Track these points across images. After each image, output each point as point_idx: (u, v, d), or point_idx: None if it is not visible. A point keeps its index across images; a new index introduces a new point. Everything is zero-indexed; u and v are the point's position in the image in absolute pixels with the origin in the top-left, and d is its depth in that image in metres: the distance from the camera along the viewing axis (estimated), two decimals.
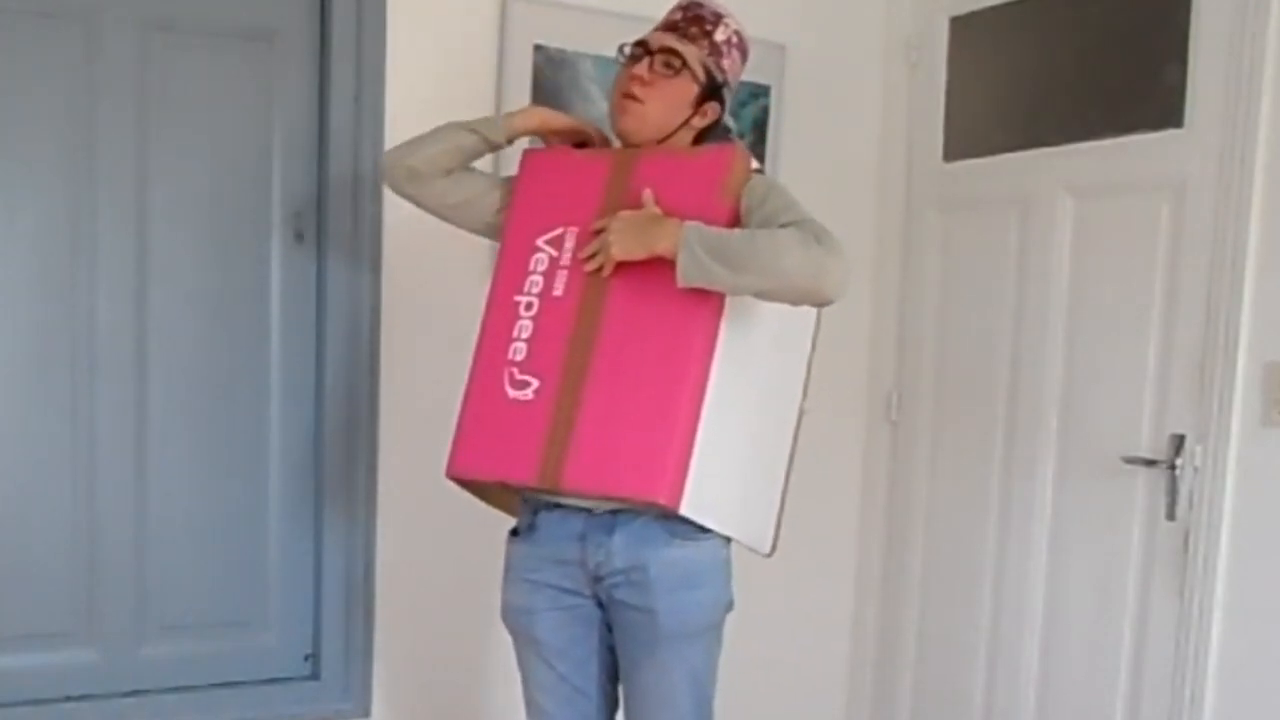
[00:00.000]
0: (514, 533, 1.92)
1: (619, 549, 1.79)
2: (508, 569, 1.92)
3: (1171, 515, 2.30)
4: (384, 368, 2.47)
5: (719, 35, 1.87)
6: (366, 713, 2.52)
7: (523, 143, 1.99)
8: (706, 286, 1.69)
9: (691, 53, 1.85)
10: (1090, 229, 2.51)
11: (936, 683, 2.90)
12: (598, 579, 1.82)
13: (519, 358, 1.80)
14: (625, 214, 1.76)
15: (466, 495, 1.94)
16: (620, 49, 1.91)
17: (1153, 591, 2.37)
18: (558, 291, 1.81)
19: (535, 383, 1.78)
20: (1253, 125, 2.17)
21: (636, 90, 1.83)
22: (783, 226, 1.69)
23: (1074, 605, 2.54)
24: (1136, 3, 2.45)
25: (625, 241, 1.74)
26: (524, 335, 1.81)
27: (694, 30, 1.86)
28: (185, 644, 2.42)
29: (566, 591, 1.85)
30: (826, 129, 2.93)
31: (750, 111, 2.79)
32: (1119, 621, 2.43)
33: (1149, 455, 2.36)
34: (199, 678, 2.42)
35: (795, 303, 1.75)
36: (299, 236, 2.43)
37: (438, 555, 2.52)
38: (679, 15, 1.89)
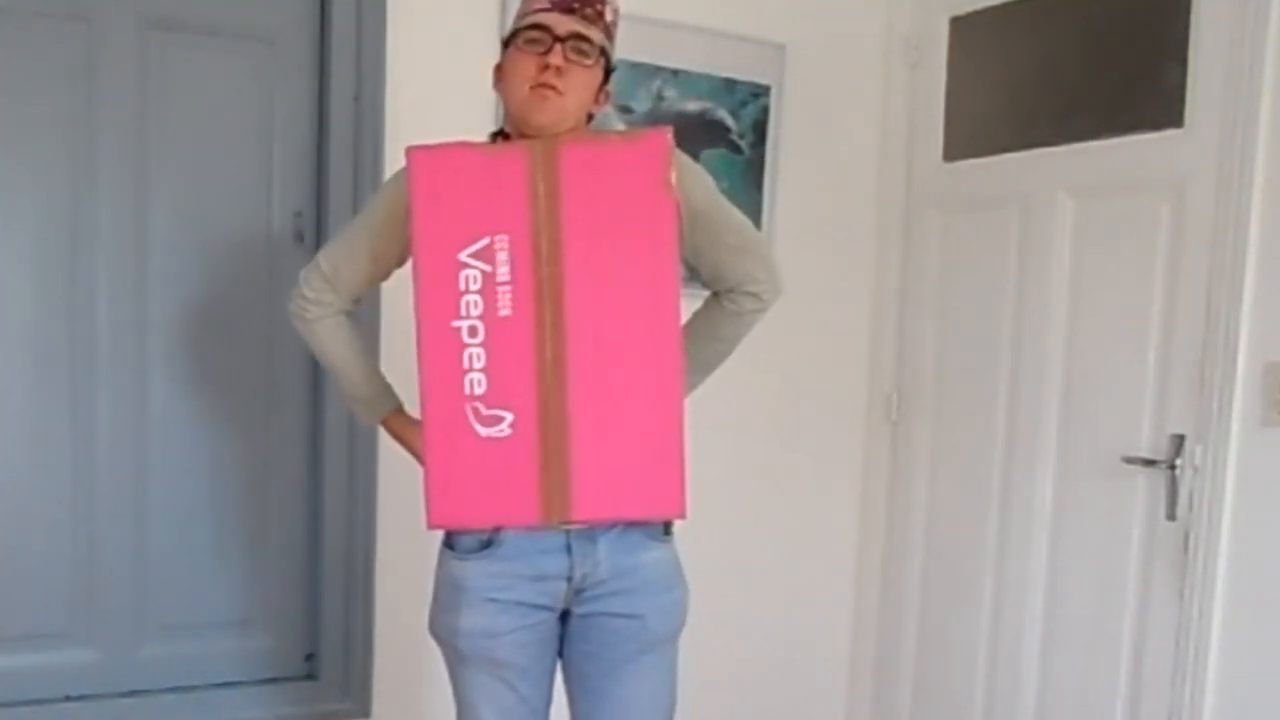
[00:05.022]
0: (450, 547, 1.80)
1: (604, 558, 1.74)
2: (460, 589, 1.77)
3: (1171, 515, 2.30)
4: (383, 368, 2.46)
5: (608, 16, 1.75)
6: (366, 713, 2.52)
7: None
8: None
9: (596, 36, 1.70)
10: (1090, 229, 2.52)
11: (936, 683, 2.90)
12: (579, 591, 1.75)
13: (480, 390, 1.64)
14: None
15: None
16: (512, 34, 1.73)
17: (1153, 591, 2.36)
18: (504, 311, 1.63)
19: (509, 415, 1.64)
20: (1253, 125, 2.17)
21: (555, 81, 1.65)
22: (731, 246, 1.77)
23: (1074, 605, 2.54)
24: (1136, 3, 2.45)
25: None
26: (478, 364, 1.64)
27: (590, 12, 1.70)
28: (185, 644, 2.42)
29: (537, 608, 1.76)
30: (826, 129, 2.93)
31: (750, 111, 2.79)
32: (1119, 621, 2.43)
33: (1149, 455, 2.36)
34: (198, 678, 2.43)
35: None
36: (299, 237, 2.43)
37: (437, 555, 2.51)
38: None
